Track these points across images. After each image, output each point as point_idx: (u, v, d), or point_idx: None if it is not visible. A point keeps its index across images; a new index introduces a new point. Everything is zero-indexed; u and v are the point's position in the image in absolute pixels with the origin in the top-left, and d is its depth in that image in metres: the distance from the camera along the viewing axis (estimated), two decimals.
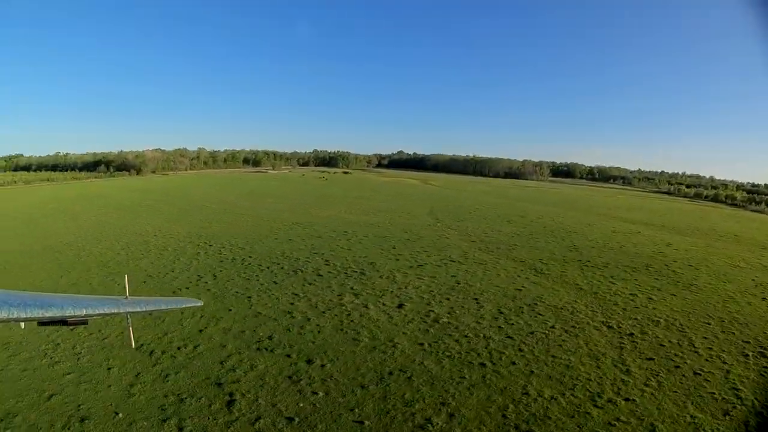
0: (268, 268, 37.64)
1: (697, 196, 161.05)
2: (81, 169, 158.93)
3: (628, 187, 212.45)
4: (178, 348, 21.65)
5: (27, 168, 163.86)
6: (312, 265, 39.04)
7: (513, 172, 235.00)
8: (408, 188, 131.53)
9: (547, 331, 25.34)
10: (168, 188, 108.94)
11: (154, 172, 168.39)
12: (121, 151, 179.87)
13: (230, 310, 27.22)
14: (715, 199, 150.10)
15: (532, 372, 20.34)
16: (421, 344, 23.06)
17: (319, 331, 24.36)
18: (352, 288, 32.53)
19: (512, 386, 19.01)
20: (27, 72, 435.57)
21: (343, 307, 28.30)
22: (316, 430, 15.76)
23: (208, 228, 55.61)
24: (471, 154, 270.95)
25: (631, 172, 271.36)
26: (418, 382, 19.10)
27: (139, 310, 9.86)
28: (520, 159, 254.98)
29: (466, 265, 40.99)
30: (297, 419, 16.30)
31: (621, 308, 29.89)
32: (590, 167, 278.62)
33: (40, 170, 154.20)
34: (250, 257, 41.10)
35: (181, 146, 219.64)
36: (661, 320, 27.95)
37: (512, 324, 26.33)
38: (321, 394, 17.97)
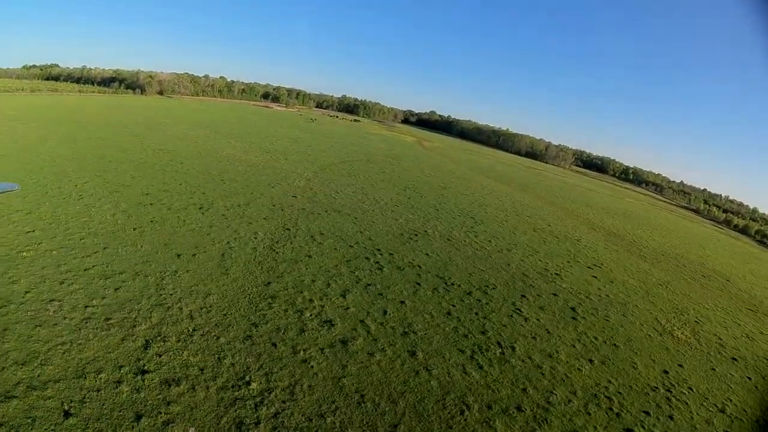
0: None
1: (726, 222, 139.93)
2: (99, 84, 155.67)
3: (657, 196, 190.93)
4: None
5: (57, 78, 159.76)
6: None
7: (534, 152, 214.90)
8: (377, 143, 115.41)
9: None
10: (125, 107, 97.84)
11: (160, 93, 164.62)
12: (139, 70, 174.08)
13: None
14: (744, 230, 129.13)
15: None
16: None
17: None
18: None
19: None
20: None
21: None
22: None
23: None
24: (504, 127, 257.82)
25: (671, 182, 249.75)
26: None
27: None
28: (548, 140, 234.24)
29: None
30: None
31: None
32: (626, 166, 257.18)
33: (67, 81, 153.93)
34: None
35: (217, 75, 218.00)
36: None
37: None
38: None
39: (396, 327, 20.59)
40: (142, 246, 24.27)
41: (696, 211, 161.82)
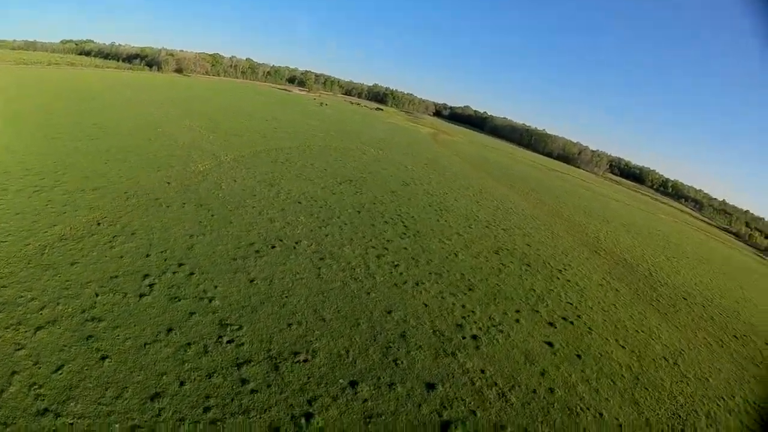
0: None
1: None
2: (124, 60, 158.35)
3: (695, 213, 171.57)
4: None
5: (89, 53, 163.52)
6: None
7: (566, 155, 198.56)
8: (378, 133, 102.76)
9: None
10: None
11: (178, 71, 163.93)
12: (162, 48, 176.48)
13: None
14: None
15: None
16: None
17: None
18: None
19: None
20: None
21: None
22: None
23: None
24: (541, 128, 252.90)
25: (712, 199, 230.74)
26: None
27: None
28: (585, 145, 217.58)
29: None
30: None
31: None
32: (666, 178, 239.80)
33: (98, 56, 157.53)
34: None
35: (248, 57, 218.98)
36: None
37: None
38: None
39: None
40: None
41: (736, 235, 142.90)
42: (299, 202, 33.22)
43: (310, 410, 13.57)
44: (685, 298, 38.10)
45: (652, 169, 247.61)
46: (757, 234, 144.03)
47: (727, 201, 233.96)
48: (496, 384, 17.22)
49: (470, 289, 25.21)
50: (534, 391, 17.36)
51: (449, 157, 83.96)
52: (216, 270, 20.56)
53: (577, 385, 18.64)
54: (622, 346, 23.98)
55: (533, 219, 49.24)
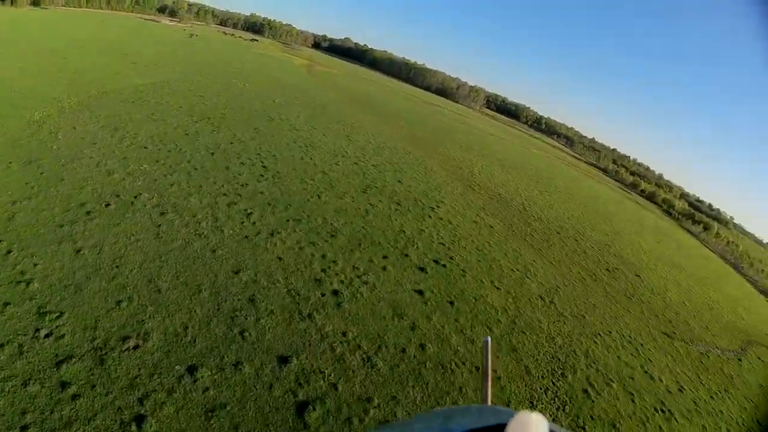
0: None
1: (633, 186, 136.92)
2: None
3: (567, 150, 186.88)
4: None
5: None
6: None
7: (444, 89, 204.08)
8: (249, 65, 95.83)
9: None
10: None
11: (35, 4, 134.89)
12: None
13: None
14: (651, 197, 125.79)
15: None
16: None
17: None
18: None
19: None
20: None
21: None
22: None
23: None
24: (421, 62, 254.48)
25: (582, 137, 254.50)
26: None
27: None
28: (464, 80, 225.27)
29: None
30: None
31: None
32: (540, 116, 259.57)
33: None
34: None
35: None
36: None
37: None
38: None
39: None
40: None
41: (604, 171, 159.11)
42: (145, 147, 28.04)
43: (142, 411, 10.56)
44: (558, 233, 39.78)
45: (527, 106, 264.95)
46: (623, 170, 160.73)
47: (596, 139, 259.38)
48: (359, 347, 15.28)
49: (333, 236, 22.89)
50: (403, 351, 15.75)
51: (322, 90, 79.84)
52: (38, 243, 15.85)
53: (450, 338, 17.47)
54: (498, 288, 23.59)
55: (406, 154, 48.21)
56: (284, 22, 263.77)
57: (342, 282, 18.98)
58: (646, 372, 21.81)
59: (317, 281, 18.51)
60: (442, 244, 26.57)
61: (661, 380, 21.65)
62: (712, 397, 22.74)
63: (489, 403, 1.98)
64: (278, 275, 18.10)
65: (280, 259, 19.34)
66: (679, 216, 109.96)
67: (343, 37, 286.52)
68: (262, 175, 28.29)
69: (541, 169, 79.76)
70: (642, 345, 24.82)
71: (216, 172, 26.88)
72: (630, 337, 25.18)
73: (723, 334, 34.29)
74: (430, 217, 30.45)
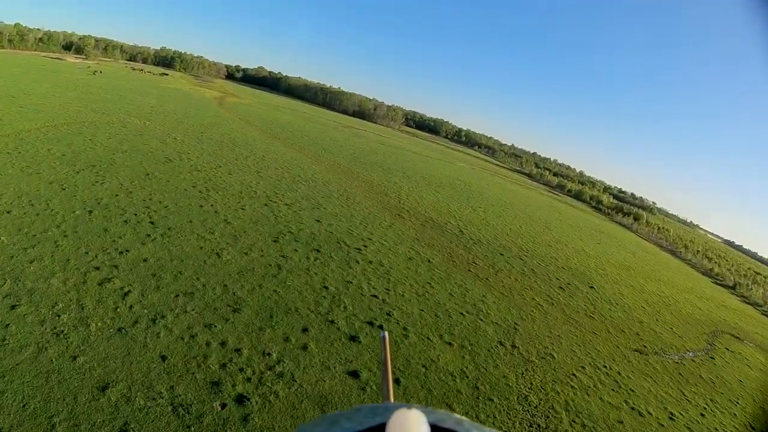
0: None
1: (560, 187, 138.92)
2: None
3: (490, 159, 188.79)
4: None
5: None
6: None
7: (362, 111, 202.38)
8: (150, 99, 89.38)
9: None
10: None
11: None
12: None
13: None
14: (578, 196, 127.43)
15: None
16: None
17: None
18: None
19: None
20: None
21: None
22: None
23: None
24: (336, 86, 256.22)
25: (502, 145, 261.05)
26: None
27: None
28: (381, 100, 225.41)
29: None
30: None
31: None
32: (459, 128, 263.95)
33: None
34: None
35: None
36: None
37: None
38: None
39: None
40: None
41: (529, 176, 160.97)
42: (8, 212, 21.98)
43: None
44: (501, 254, 36.47)
45: (446, 120, 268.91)
46: (547, 173, 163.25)
47: (516, 145, 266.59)
48: None
49: (235, 310, 17.81)
50: None
51: (232, 121, 74.16)
52: None
53: None
54: (449, 343, 19.36)
55: (325, 185, 43.70)
56: (195, 55, 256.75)
57: (249, 380, 14.02)
58: (633, 408, 18.61)
59: (215, 385, 13.48)
60: (375, 296, 22.04)
61: (650, 413, 18.72)
62: (702, 414, 20.44)
63: (391, 399, 1.62)
64: (161, 385, 12.98)
65: (163, 358, 14.20)
66: (609, 211, 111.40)
67: (256, 66, 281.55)
68: (148, 235, 22.89)
69: (470, 183, 77.43)
70: (619, 374, 21.56)
71: (90, 238, 21.31)
72: (605, 366, 21.83)
73: (688, 333, 32.49)
74: (357, 261, 25.86)
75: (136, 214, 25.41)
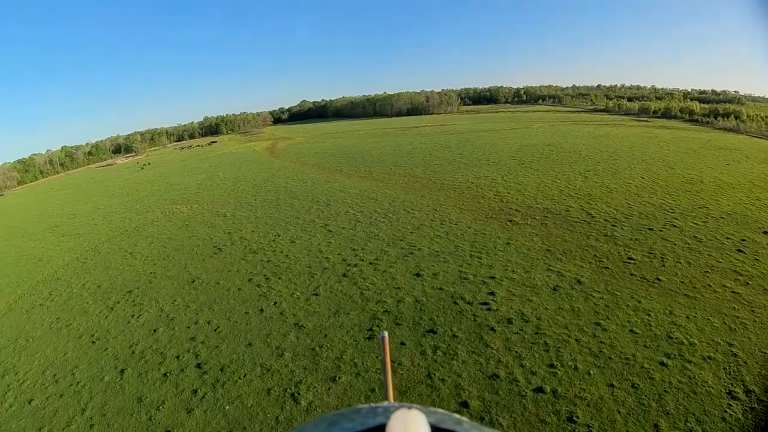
0: None
1: (644, 111, 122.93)
2: None
3: (560, 108, 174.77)
4: None
5: None
6: None
7: (416, 107, 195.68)
8: (198, 175, 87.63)
9: None
10: None
11: None
12: None
13: None
14: (667, 114, 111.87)
15: None
16: None
17: None
18: None
19: None
20: None
21: None
22: None
23: None
24: (381, 92, 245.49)
25: (564, 89, 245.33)
26: None
27: None
28: (429, 90, 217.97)
29: None
30: None
31: None
32: (516, 88, 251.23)
33: None
34: None
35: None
36: None
37: None
38: None
39: None
40: None
41: (606, 110, 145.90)
42: (30, 402, 17.81)
43: None
44: (651, 229, 28.35)
45: (500, 85, 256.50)
46: (625, 102, 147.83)
47: (576, 84, 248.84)
48: None
49: None
50: None
51: (287, 168, 69.19)
52: None
53: None
54: None
55: (408, 212, 36.93)
56: (238, 113, 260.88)
57: None
58: None
59: None
60: (540, 389, 14.73)
61: None
62: None
63: (391, 399, 1.79)
64: None
65: None
66: (705, 120, 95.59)
67: (299, 102, 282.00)
68: (195, 392, 17.30)
69: (560, 145, 66.43)
70: None
71: (122, 420, 16.02)
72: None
73: None
74: (491, 329, 18.43)
75: (178, 357, 19.77)
